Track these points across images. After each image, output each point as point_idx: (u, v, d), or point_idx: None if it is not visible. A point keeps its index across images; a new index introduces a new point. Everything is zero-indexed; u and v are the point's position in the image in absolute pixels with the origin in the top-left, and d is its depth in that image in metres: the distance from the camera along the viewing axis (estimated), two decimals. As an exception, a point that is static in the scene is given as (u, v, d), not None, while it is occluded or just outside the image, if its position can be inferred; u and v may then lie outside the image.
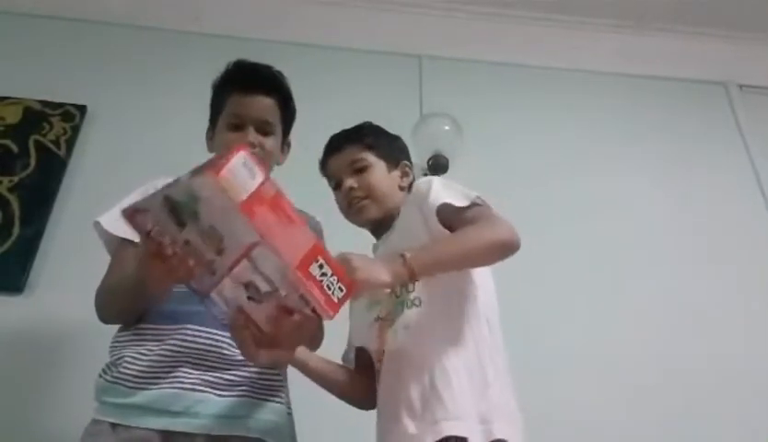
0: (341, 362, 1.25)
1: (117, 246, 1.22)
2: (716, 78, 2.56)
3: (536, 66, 2.48)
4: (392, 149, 1.31)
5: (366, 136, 1.28)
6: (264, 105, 1.33)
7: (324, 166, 1.31)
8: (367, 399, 1.17)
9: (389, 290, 1.12)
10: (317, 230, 1.39)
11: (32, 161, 1.98)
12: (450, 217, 1.10)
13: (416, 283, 1.07)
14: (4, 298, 1.74)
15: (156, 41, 2.30)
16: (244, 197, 0.77)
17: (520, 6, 2.50)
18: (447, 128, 2.07)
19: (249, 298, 0.88)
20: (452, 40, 2.46)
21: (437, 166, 2.01)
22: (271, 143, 1.33)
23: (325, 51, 2.36)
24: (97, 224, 1.23)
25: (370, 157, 1.25)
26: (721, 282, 2.07)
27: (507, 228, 1.06)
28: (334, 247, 1.36)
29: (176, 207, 0.83)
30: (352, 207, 1.24)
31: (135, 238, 1.16)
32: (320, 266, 0.82)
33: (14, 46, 2.20)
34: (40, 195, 1.91)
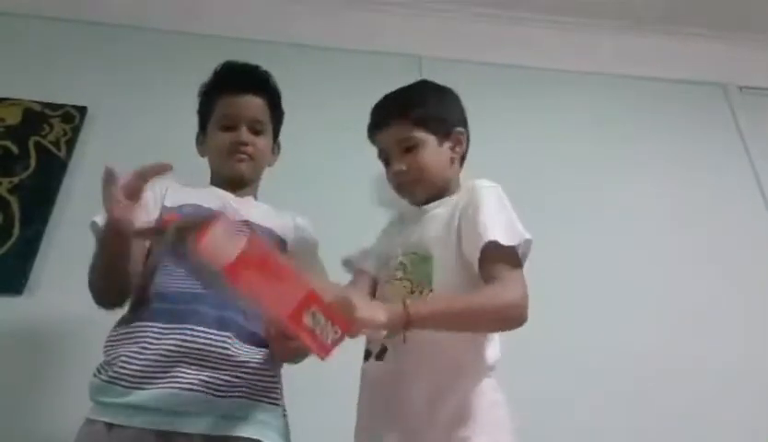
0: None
1: None
2: (716, 80, 2.56)
3: (536, 67, 2.48)
4: (443, 118, 1.22)
5: (415, 108, 1.19)
6: (255, 104, 1.34)
7: (372, 137, 1.25)
8: None
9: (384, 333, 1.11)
10: (304, 230, 1.39)
11: (32, 162, 1.98)
12: (485, 253, 1.04)
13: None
14: (4, 300, 1.74)
15: (156, 42, 2.30)
16: (227, 262, 0.80)
17: (520, 7, 2.50)
18: (447, 128, 2.07)
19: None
20: (452, 40, 2.46)
21: (438, 166, 2.01)
22: (263, 142, 1.35)
23: (325, 51, 2.35)
24: (93, 224, 1.22)
25: (419, 134, 1.18)
26: (721, 282, 2.07)
27: (517, 305, 1.02)
28: (332, 243, 1.39)
29: (171, 242, 0.87)
30: (402, 188, 1.22)
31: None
32: (313, 314, 0.85)
33: (14, 47, 2.20)
34: (40, 196, 1.91)
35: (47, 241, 1.84)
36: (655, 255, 2.10)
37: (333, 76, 2.29)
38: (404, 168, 1.18)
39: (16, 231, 1.84)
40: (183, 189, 1.31)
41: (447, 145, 1.22)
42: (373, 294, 1.20)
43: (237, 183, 1.35)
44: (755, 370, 1.92)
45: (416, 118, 1.18)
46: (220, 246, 0.80)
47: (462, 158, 1.27)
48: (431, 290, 1.08)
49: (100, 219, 1.23)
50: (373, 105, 1.25)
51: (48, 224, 1.87)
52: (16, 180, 1.93)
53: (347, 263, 1.28)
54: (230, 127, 1.32)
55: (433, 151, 1.19)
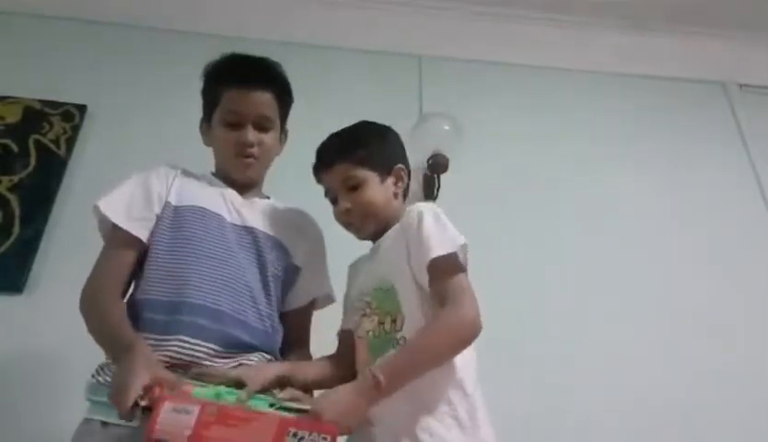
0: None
1: (111, 232, 1.20)
2: (716, 78, 2.56)
3: (536, 66, 2.48)
4: (384, 156, 1.28)
5: (357, 149, 1.24)
6: (263, 100, 1.30)
7: (317, 177, 1.30)
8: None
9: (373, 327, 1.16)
10: (315, 237, 1.39)
11: (32, 161, 1.98)
12: (432, 273, 1.10)
13: (404, 322, 1.11)
14: (4, 298, 1.74)
15: (156, 41, 2.30)
16: (187, 435, 0.84)
17: (520, 6, 2.50)
18: (446, 128, 2.07)
19: None
20: (452, 40, 2.46)
21: (437, 166, 2.01)
22: (270, 138, 1.32)
23: (325, 51, 2.36)
24: (95, 208, 1.21)
25: (362, 173, 1.23)
26: (720, 282, 2.07)
27: (470, 321, 1.06)
28: (331, 242, 1.38)
29: None
30: (349, 226, 1.26)
31: (133, 230, 1.17)
32: (294, 435, 0.86)
33: (14, 46, 2.21)
34: (40, 195, 1.92)
35: (47, 240, 1.85)
36: (654, 254, 2.10)
37: (333, 76, 2.29)
38: (350, 205, 1.23)
39: (16, 230, 1.85)
40: (190, 184, 1.28)
41: (389, 181, 1.27)
42: (352, 352, 1.24)
43: (244, 184, 1.34)
44: (755, 370, 1.92)
45: (358, 158, 1.24)
46: (173, 423, 0.84)
47: (406, 193, 1.33)
48: (404, 317, 1.12)
49: (103, 203, 1.20)
50: (318, 147, 1.30)
51: (48, 222, 1.87)
52: (15, 178, 1.94)
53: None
54: (236, 124, 1.28)
55: (376, 187, 1.24)
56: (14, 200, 1.90)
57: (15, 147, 2.00)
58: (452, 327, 1.06)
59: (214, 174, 1.35)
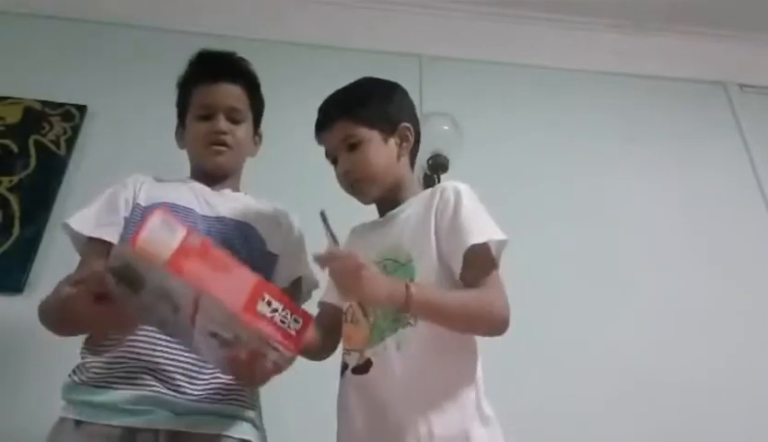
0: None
1: (84, 246, 1.20)
2: (716, 78, 2.56)
3: (536, 66, 2.48)
4: (387, 114, 1.19)
5: (357, 107, 1.18)
6: (232, 92, 1.30)
7: (318, 138, 1.24)
8: (321, 353, 1.19)
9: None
10: (288, 227, 1.35)
11: (32, 161, 1.98)
12: (468, 258, 1.04)
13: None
14: (4, 298, 1.74)
15: (156, 41, 2.30)
16: (168, 256, 0.76)
17: (520, 6, 2.50)
18: (446, 128, 2.07)
19: (220, 346, 0.87)
20: (452, 40, 2.46)
21: (437, 165, 2.01)
22: (242, 131, 1.31)
23: (325, 50, 2.36)
24: (65, 226, 1.21)
25: (363, 132, 1.16)
26: (720, 282, 2.07)
27: (505, 314, 1.04)
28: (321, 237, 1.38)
29: (121, 274, 0.82)
30: (352, 188, 1.20)
31: (103, 236, 1.17)
32: (269, 303, 0.80)
33: (14, 46, 2.21)
34: (40, 195, 1.92)
35: (47, 240, 1.85)
36: (654, 254, 2.10)
37: (333, 75, 2.28)
38: (349, 166, 1.17)
39: (16, 230, 1.85)
40: (159, 184, 1.29)
41: (392, 140, 1.19)
42: (332, 325, 1.19)
43: (216, 176, 1.32)
44: (755, 370, 1.92)
45: (358, 115, 1.17)
46: (157, 240, 0.76)
47: (414, 154, 1.26)
48: (407, 313, 1.06)
49: (74, 221, 1.20)
50: (320, 104, 1.24)
51: (48, 222, 1.87)
52: (16, 178, 1.94)
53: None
54: (207, 117, 1.28)
55: (378, 147, 1.17)
56: (14, 200, 1.90)
57: (15, 147, 2.00)
58: (492, 307, 1.03)
59: (188, 177, 1.36)
